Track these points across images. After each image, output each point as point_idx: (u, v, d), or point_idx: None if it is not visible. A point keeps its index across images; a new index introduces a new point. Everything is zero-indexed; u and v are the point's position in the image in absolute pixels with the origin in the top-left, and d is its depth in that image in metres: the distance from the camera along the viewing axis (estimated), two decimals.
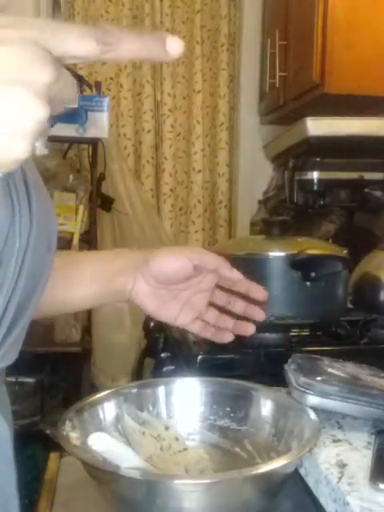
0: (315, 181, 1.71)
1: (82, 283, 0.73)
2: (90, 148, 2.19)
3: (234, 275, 0.71)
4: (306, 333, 1.02)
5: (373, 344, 0.98)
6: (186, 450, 0.67)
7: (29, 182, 0.52)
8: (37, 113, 0.33)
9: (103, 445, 0.60)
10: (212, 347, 0.96)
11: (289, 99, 2.05)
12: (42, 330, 2.01)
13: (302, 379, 0.68)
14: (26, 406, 2.02)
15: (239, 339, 0.74)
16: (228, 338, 0.73)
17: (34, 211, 0.51)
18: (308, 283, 0.92)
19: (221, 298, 0.74)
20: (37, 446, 1.82)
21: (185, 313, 0.73)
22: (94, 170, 2.18)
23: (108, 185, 2.32)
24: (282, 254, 0.93)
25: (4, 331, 0.50)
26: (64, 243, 1.98)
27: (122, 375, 2.12)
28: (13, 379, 1.94)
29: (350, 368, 0.73)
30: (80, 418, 0.62)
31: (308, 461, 0.63)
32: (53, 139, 1.56)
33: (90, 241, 2.17)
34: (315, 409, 0.64)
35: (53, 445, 0.80)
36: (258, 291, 0.73)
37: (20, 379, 2.02)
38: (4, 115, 0.32)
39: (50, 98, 0.33)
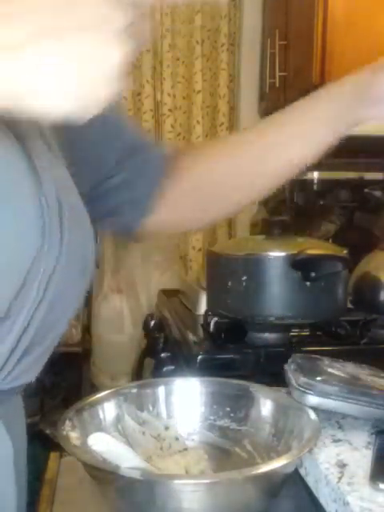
0: (315, 181, 1.71)
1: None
2: None
3: None
4: (306, 333, 1.02)
5: (373, 344, 0.98)
6: (185, 449, 0.67)
7: (63, 205, 0.51)
8: (117, 54, 0.33)
9: (103, 445, 0.59)
10: (212, 347, 0.96)
11: (289, 99, 2.04)
12: None
13: (302, 379, 0.68)
14: (26, 405, 2.02)
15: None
16: None
17: (66, 237, 0.50)
18: (308, 283, 0.92)
19: None
20: (37, 446, 1.82)
21: None
22: None
23: None
24: (282, 253, 0.93)
25: (20, 352, 0.49)
26: None
27: (122, 375, 2.12)
28: None
29: (350, 368, 0.73)
30: (80, 418, 0.62)
31: (308, 461, 0.63)
32: None
33: None
34: (315, 409, 0.64)
35: (53, 445, 0.80)
36: None
37: None
38: (87, 58, 0.33)
39: (127, 40, 0.34)
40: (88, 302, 2.24)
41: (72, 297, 0.55)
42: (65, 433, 0.59)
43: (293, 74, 2.01)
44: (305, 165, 0.74)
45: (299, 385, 0.67)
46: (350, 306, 1.03)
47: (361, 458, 0.60)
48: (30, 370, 0.53)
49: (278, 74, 2.07)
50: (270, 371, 0.84)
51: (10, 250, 0.46)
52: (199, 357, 0.90)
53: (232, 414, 0.69)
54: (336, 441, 0.65)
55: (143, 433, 0.66)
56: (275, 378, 0.73)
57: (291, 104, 0.74)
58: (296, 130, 0.72)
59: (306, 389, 0.66)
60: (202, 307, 1.13)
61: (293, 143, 0.72)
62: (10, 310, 0.47)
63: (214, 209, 0.76)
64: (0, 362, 0.48)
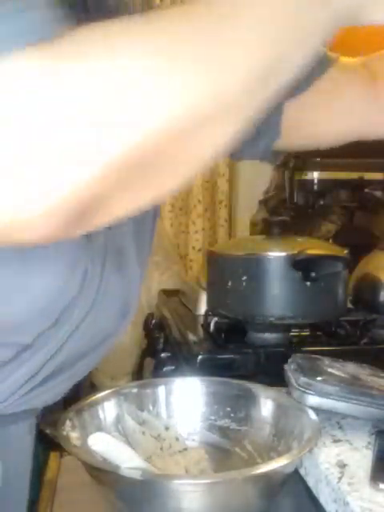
0: (315, 181, 1.71)
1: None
2: None
3: None
4: (306, 333, 1.02)
5: (373, 344, 0.98)
6: (186, 449, 0.67)
7: (109, 251, 0.51)
8: None
9: (103, 445, 0.59)
10: (212, 347, 0.96)
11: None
12: None
13: (302, 379, 0.68)
14: None
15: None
16: None
17: (104, 282, 0.50)
18: (308, 283, 0.92)
19: None
20: (37, 446, 1.81)
21: None
22: None
23: None
24: (282, 254, 0.93)
25: (42, 376, 0.50)
26: None
27: (122, 375, 2.12)
28: None
29: (350, 368, 0.73)
30: (80, 418, 0.62)
31: (308, 461, 0.63)
32: None
33: None
34: (315, 409, 0.64)
35: (53, 445, 0.80)
36: None
37: None
38: None
39: None
40: None
41: (108, 333, 0.55)
42: (65, 433, 0.59)
43: None
44: None
45: (299, 385, 0.67)
46: (350, 305, 1.03)
47: (361, 458, 0.60)
48: (53, 392, 0.53)
49: None
50: (270, 371, 0.84)
51: (49, 293, 0.46)
52: (199, 357, 0.90)
53: (232, 414, 0.69)
54: (336, 441, 0.65)
55: (143, 433, 0.66)
56: (275, 378, 0.73)
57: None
58: None
59: (306, 389, 0.66)
60: (202, 307, 1.13)
61: None
62: (37, 341, 0.48)
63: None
64: (16, 385, 0.48)
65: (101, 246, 0.50)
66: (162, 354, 1.08)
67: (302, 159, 1.77)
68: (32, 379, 0.49)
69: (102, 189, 0.29)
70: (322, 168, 1.71)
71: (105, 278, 0.50)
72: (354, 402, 0.66)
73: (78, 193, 0.28)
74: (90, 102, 0.27)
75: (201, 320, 1.11)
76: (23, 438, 0.57)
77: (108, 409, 0.66)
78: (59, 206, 0.29)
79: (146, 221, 0.59)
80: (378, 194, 1.55)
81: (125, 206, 0.33)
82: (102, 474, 0.54)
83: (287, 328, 0.98)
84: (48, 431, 0.62)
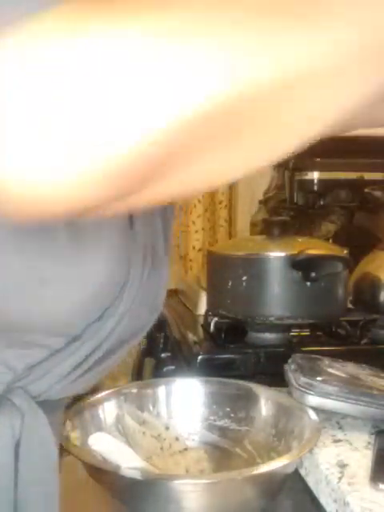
0: (315, 181, 1.71)
1: None
2: None
3: None
4: (306, 333, 1.02)
5: (373, 344, 0.98)
6: (186, 449, 0.67)
7: (148, 245, 0.51)
8: None
9: (103, 445, 0.60)
10: (212, 347, 0.96)
11: None
12: None
13: (302, 379, 0.68)
14: None
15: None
16: None
17: (146, 275, 0.51)
18: (308, 283, 0.92)
19: None
20: None
21: None
22: None
23: None
24: (282, 254, 0.93)
25: (83, 370, 0.50)
26: None
27: (121, 375, 2.12)
28: None
29: (350, 368, 0.73)
30: (80, 418, 0.62)
31: (308, 461, 0.63)
32: None
33: None
34: (315, 409, 0.64)
35: None
36: None
37: None
38: None
39: None
40: None
41: (139, 328, 0.56)
42: (65, 433, 0.59)
43: None
44: None
45: (299, 385, 0.67)
46: (350, 306, 1.03)
47: (361, 458, 0.60)
48: (84, 382, 0.54)
49: None
50: (270, 371, 0.84)
51: (101, 280, 0.47)
52: (199, 357, 0.90)
53: (232, 414, 0.69)
54: (336, 441, 0.65)
55: (143, 433, 0.66)
56: (275, 377, 0.73)
57: None
58: None
59: (306, 389, 0.67)
60: (202, 307, 1.13)
61: None
62: (86, 332, 0.49)
63: None
64: (63, 373, 0.49)
65: (140, 235, 0.50)
66: (162, 354, 1.08)
67: (301, 159, 1.77)
68: (78, 368, 0.50)
69: (173, 145, 0.24)
70: (321, 168, 1.70)
71: (145, 271, 0.51)
72: (354, 402, 0.66)
73: (139, 148, 0.23)
74: (165, 37, 0.23)
75: (201, 320, 1.11)
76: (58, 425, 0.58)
77: (108, 409, 0.66)
78: (113, 164, 0.24)
79: (169, 218, 0.59)
80: (378, 193, 1.55)
81: (199, 173, 0.27)
82: (101, 474, 0.54)
83: (287, 328, 0.98)
84: None
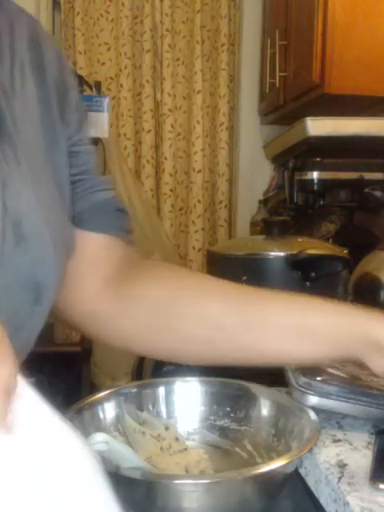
0: (315, 181, 1.71)
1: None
2: None
3: None
4: None
5: None
6: (185, 450, 0.67)
7: (8, 216, 0.46)
8: None
9: (103, 445, 0.59)
10: None
11: (289, 99, 2.05)
12: (42, 329, 2.01)
13: (302, 379, 0.68)
14: None
15: None
16: None
17: (6, 252, 0.46)
18: (308, 283, 0.92)
19: None
20: None
21: None
22: None
23: None
24: (282, 254, 0.93)
25: None
26: None
27: (121, 375, 2.12)
28: None
29: (350, 368, 0.73)
30: (80, 418, 0.62)
31: (308, 461, 0.63)
32: None
33: None
34: (315, 409, 0.64)
35: None
36: None
37: None
38: None
39: None
40: None
41: (19, 322, 0.52)
42: None
43: (293, 74, 2.01)
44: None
45: (299, 385, 0.67)
46: None
47: (361, 458, 0.60)
48: None
49: (278, 74, 2.07)
50: (270, 371, 0.84)
51: None
52: None
53: (232, 414, 0.69)
54: (336, 441, 0.65)
55: (143, 433, 0.66)
56: (275, 377, 0.73)
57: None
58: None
59: (306, 389, 0.67)
60: None
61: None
62: None
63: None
64: None
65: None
66: None
67: (302, 159, 1.77)
68: None
69: None
70: (321, 168, 1.71)
71: (4, 248, 0.46)
72: (354, 402, 0.66)
73: None
74: None
75: None
76: None
77: (108, 409, 0.66)
78: None
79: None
80: (378, 193, 1.55)
81: None
82: None
83: None
84: None
